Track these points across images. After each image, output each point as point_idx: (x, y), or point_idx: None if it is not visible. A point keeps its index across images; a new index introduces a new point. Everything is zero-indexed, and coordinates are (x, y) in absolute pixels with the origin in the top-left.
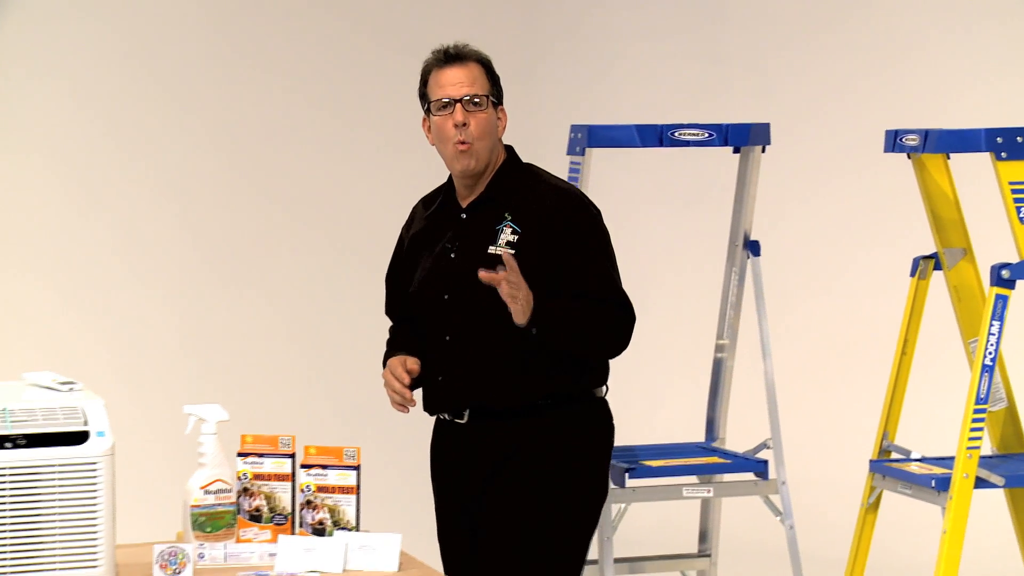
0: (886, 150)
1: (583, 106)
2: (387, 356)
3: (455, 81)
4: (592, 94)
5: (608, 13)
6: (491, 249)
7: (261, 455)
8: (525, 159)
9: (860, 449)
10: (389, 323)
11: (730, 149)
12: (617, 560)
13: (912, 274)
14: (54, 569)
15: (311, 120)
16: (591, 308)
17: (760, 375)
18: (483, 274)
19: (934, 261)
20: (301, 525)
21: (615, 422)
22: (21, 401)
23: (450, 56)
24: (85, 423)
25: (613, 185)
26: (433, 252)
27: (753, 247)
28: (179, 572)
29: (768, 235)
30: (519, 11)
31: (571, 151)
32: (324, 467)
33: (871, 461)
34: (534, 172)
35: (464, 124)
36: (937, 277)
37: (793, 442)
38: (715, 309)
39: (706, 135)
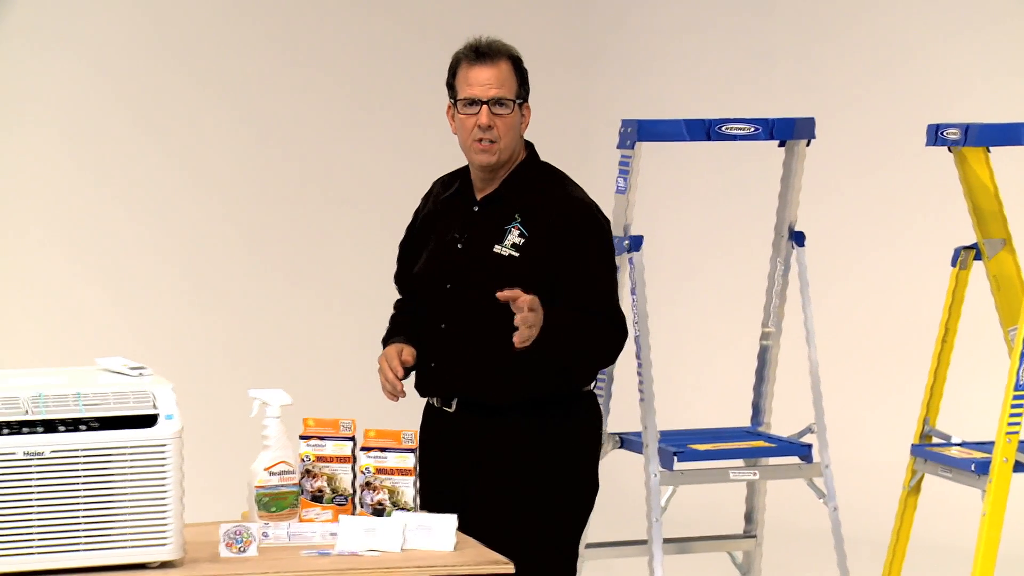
0: (927, 144)
1: (631, 101)
2: (387, 338)
3: (484, 81)
4: (640, 89)
5: (656, 10)
6: (496, 248)
7: (323, 438)
8: (576, 153)
9: (902, 434)
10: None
11: (775, 143)
12: (665, 541)
13: (953, 264)
14: (125, 546)
15: (355, 102)
16: (588, 328)
17: (804, 362)
18: (504, 294)
19: (974, 251)
20: (361, 505)
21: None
22: (94, 386)
23: (481, 53)
24: (155, 407)
25: (660, 178)
26: (441, 238)
27: (798, 238)
28: (244, 550)
29: (812, 226)
30: (571, 7)
31: (621, 145)
32: (383, 450)
33: (912, 445)
34: (550, 173)
35: (489, 127)
36: (977, 267)
37: (836, 427)
38: (760, 298)
39: (752, 129)
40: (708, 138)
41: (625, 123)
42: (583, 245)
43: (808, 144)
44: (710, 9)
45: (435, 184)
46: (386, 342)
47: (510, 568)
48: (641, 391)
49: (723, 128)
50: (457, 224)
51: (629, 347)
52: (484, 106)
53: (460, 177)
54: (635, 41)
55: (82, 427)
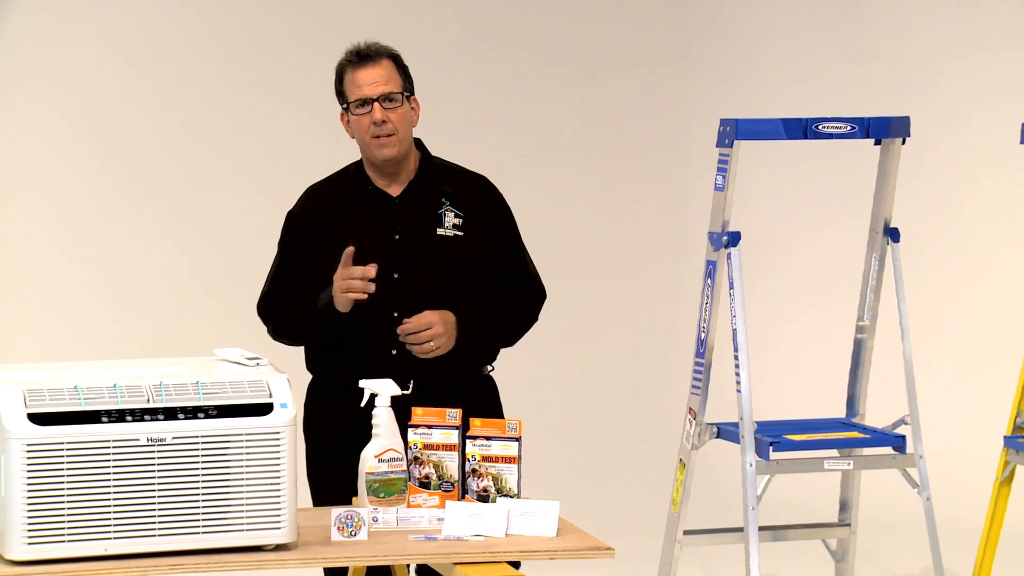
0: (1021, 141)
1: (726, 100)
2: (316, 301)
3: (370, 81)
4: (734, 88)
5: (750, 10)
6: (439, 231)
7: (430, 427)
8: (672, 151)
9: (995, 425)
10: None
11: (870, 141)
12: (761, 528)
13: None
14: (241, 529)
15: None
16: (508, 310)
17: (898, 354)
18: (407, 330)
19: None
20: (467, 492)
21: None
22: (212, 375)
23: (362, 56)
24: (270, 395)
25: (756, 175)
26: (364, 235)
27: (893, 234)
28: (355, 534)
29: (907, 222)
30: (666, 8)
31: (720, 143)
32: (488, 438)
33: (1005, 437)
34: (444, 160)
35: (383, 121)
36: None
37: (930, 418)
38: (855, 292)
39: (848, 128)
40: (805, 137)
41: (724, 122)
42: (507, 221)
43: (903, 142)
44: (804, 8)
45: (309, 193)
46: (312, 297)
47: (611, 554)
48: (738, 383)
49: (820, 127)
50: (380, 218)
51: (727, 340)
52: (375, 103)
53: (349, 179)
54: (729, 41)
55: (201, 415)
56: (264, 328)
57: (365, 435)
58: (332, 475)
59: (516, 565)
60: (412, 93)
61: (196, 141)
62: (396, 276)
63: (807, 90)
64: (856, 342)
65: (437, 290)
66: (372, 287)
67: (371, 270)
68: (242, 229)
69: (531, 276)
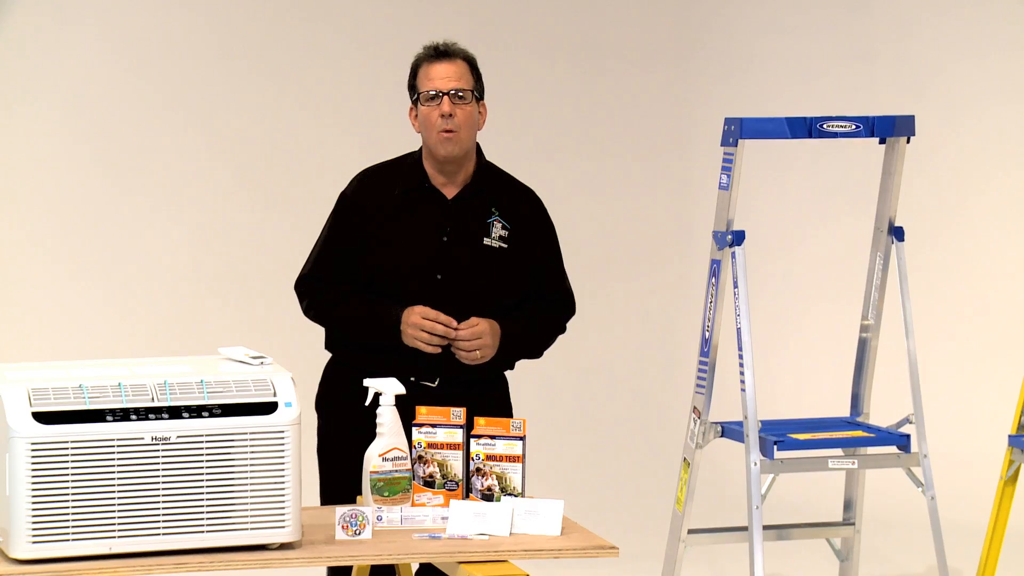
0: None
1: (730, 98)
2: (378, 307)
3: (443, 75)
4: (738, 87)
5: (755, 9)
6: (486, 241)
7: (435, 426)
8: (676, 150)
9: (999, 425)
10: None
11: (875, 140)
12: (765, 527)
13: None
14: (246, 528)
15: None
16: (542, 322)
17: (902, 353)
18: (461, 336)
19: None
20: (471, 491)
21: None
22: (217, 374)
23: (440, 52)
24: (274, 394)
25: (761, 173)
26: (414, 232)
27: (897, 233)
28: (359, 533)
29: (911, 221)
30: (671, 8)
31: (724, 142)
32: (492, 437)
33: (1010, 436)
34: (498, 168)
35: (450, 115)
36: None
37: (934, 417)
38: (860, 291)
39: (853, 127)
40: (810, 135)
41: (728, 121)
42: (550, 237)
43: (908, 141)
44: (809, 7)
45: (364, 178)
46: (372, 310)
47: (615, 553)
48: (742, 382)
49: (824, 126)
50: (432, 217)
51: (731, 339)
52: (445, 96)
53: (405, 171)
54: (734, 40)
55: (206, 413)
56: (297, 304)
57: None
58: (343, 453)
59: None
60: (482, 97)
61: (198, 140)
62: (439, 278)
63: (812, 89)
64: (860, 341)
65: (476, 298)
66: (444, 342)
67: (453, 323)
68: (245, 228)
69: (566, 293)
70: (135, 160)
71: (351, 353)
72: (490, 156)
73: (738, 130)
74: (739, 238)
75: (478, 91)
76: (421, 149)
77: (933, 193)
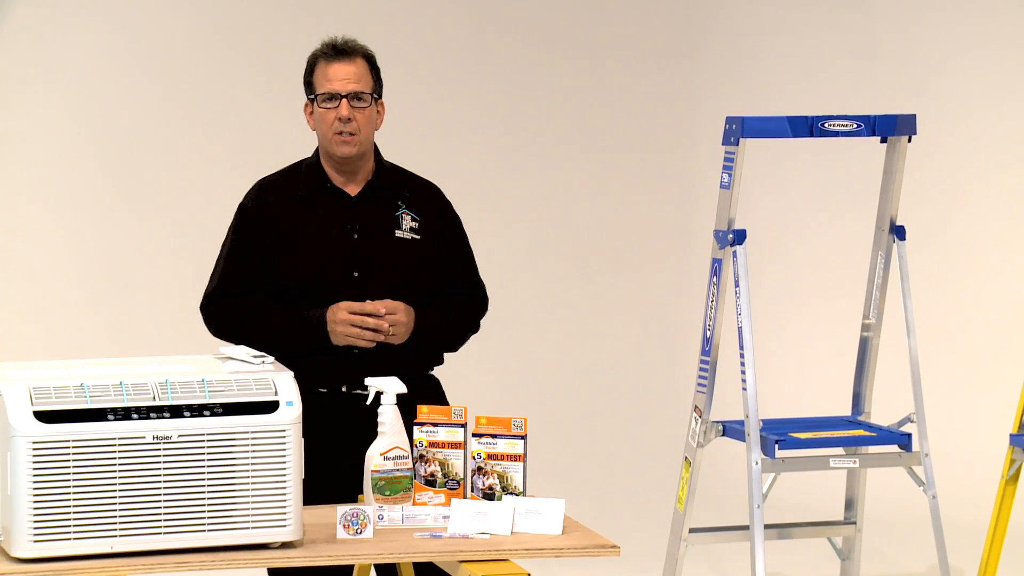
0: None
1: (731, 97)
2: (298, 313)
3: (342, 76)
4: (740, 86)
5: (757, 7)
6: (398, 233)
7: (436, 425)
8: (678, 148)
9: (1000, 423)
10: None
11: (876, 139)
12: (767, 526)
13: None
14: (247, 527)
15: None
16: (457, 314)
17: (904, 352)
18: (381, 306)
19: None
20: (472, 490)
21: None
22: (218, 373)
23: (338, 50)
24: (275, 393)
25: (762, 172)
26: (323, 232)
27: (899, 232)
28: (360, 532)
29: (912, 220)
30: (673, 6)
31: (726, 141)
32: (494, 436)
33: (1011, 435)
34: (396, 165)
35: (349, 119)
36: None
37: (936, 416)
38: (861, 290)
39: (855, 126)
40: (811, 134)
41: (730, 120)
42: (456, 228)
43: (909, 140)
44: (810, 5)
45: (262, 186)
46: (292, 317)
47: (616, 552)
48: (744, 380)
49: (826, 125)
50: (338, 215)
51: (732, 338)
52: (344, 99)
53: (304, 175)
54: (735, 39)
55: (207, 412)
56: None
57: (329, 436)
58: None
59: None
60: (380, 96)
61: (200, 138)
62: (356, 275)
63: (813, 88)
64: (862, 340)
65: (395, 291)
66: (380, 338)
67: (380, 308)
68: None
69: (477, 285)
70: (136, 159)
71: (287, 365)
72: (491, 155)
73: (739, 129)
74: (740, 237)
75: (377, 91)
76: (316, 151)
77: (934, 192)
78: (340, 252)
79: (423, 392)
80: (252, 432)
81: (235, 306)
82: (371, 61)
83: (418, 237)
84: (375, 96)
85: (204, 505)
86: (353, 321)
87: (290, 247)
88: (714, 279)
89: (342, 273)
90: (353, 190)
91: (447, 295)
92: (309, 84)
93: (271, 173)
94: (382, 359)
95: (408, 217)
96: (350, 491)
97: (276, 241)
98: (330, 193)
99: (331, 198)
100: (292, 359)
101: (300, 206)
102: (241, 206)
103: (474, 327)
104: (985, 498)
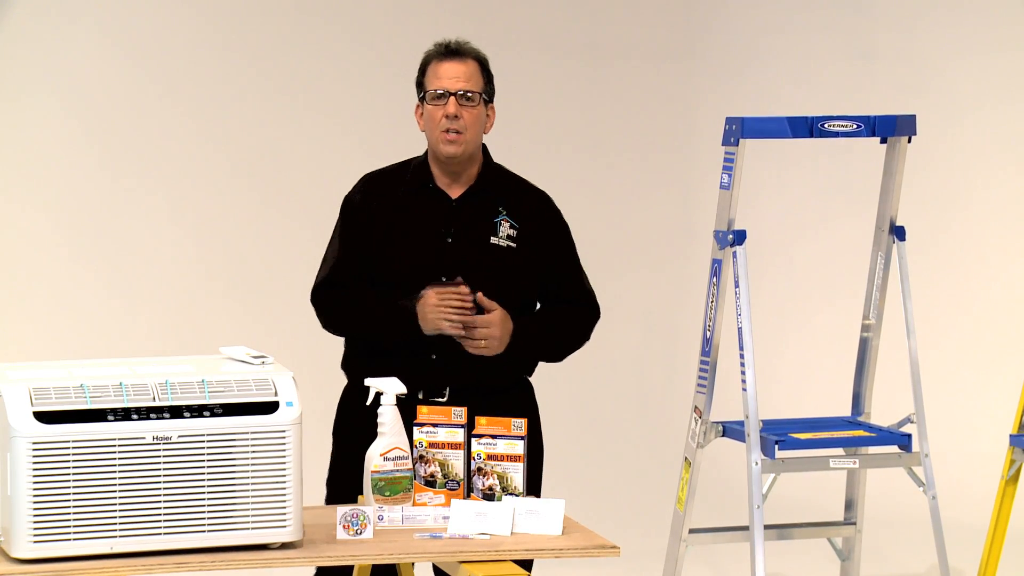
0: None
1: (731, 98)
2: (392, 303)
3: (452, 75)
4: (740, 86)
5: (757, 7)
6: (493, 240)
7: (436, 425)
8: (678, 149)
9: (1000, 424)
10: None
11: (876, 139)
12: (767, 527)
13: None
14: (247, 527)
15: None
16: (561, 324)
17: (904, 353)
18: (484, 302)
19: None
20: (472, 490)
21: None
22: (218, 373)
23: (450, 50)
24: (275, 394)
25: (762, 173)
26: (418, 233)
27: (899, 232)
28: (360, 532)
29: (912, 220)
30: (672, 7)
31: (726, 142)
32: (494, 437)
33: (1011, 435)
34: (507, 169)
35: (456, 116)
36: None
37: (936, 417)
38: (861, 291)
39: (855, 126)
40: (811, 135)
41: (730, 120)
42: (564, 237)
43: (909, 141)
44: (810, 6)
45: (369, 180)
46: (387, 307)
47: (616, 552)
48: (743, 381)
49: (826, 125)
50: (436, 218)
51: (732, 338)
52: (452, 97)
53: (408, 173)
54: (735, 39)
55: (207, 413)
56: (316, 318)
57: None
58: (355, 478)
59: (528, 567)
60: (491, 100)
61: (202, 138)
62: (444, 280)
63: (813, 88)
64: (862, 340)
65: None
66: (467, 317)
67: (466, 289)
68: (248, 226)
69: (586, 294)
70: (137, 158)
71: (365, 371)
72: (492, 155)
73: (739, 129)
74: (740, 237)
75: (487, 93)
76: (427, 151)
77: (934, 192)
78: (431, 254)
79: (512, 402)
80: (252, 433)
81: (340, 296)
82: (483, 64)
83: (514, 245)
84: (485, 98)
85: (204, 506)
86: (441, 303)
87: (386, 243)
88: (714, 279)
89: (431, 276)
90: (455, 192)
91: (554, 304)
92: (420, 84)
93: (378, 168)
94: (468, 367)
95: (506, 224)
96: None
97: (374, 235)
98: (432, 194)
99: (432, 199)
100: (382, 361)
101: (400, 203)
102: (347, 199)
103: (584, 337)
104: (985, 498)
